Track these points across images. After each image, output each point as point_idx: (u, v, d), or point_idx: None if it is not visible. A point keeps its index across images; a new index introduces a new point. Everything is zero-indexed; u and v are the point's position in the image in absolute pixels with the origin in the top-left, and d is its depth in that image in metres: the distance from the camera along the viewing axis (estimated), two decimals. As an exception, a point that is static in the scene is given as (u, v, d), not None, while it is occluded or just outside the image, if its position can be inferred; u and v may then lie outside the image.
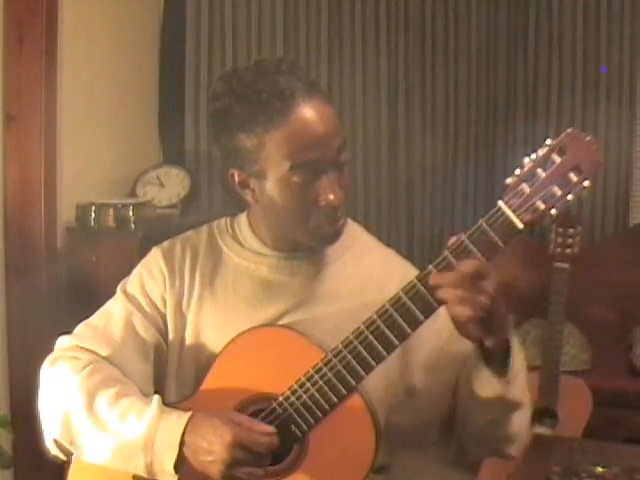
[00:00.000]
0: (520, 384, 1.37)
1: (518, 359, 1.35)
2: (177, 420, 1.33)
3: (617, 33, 3.51)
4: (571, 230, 2.63)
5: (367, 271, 1.48)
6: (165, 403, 1.45)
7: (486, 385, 1.34)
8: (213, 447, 1.29)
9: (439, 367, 1.47)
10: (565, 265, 2.63)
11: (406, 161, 3.68)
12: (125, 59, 3.16)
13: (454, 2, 3.64)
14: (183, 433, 1.31)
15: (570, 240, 2.63)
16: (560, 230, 2.63)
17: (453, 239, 1.26)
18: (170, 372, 1.48)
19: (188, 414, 1.33)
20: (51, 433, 1.43)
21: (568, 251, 2.63)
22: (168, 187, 3.18)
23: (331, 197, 1.35)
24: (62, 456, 1.45)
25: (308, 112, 1.33)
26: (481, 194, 3.70)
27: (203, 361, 1.44)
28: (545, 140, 1.25)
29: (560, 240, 2.63)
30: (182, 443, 1.31)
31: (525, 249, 3.15)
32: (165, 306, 1.48)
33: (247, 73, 1.36)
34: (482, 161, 3.69)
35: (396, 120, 3.66)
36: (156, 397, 1.38)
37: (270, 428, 1.33)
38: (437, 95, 3.69)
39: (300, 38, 3.55)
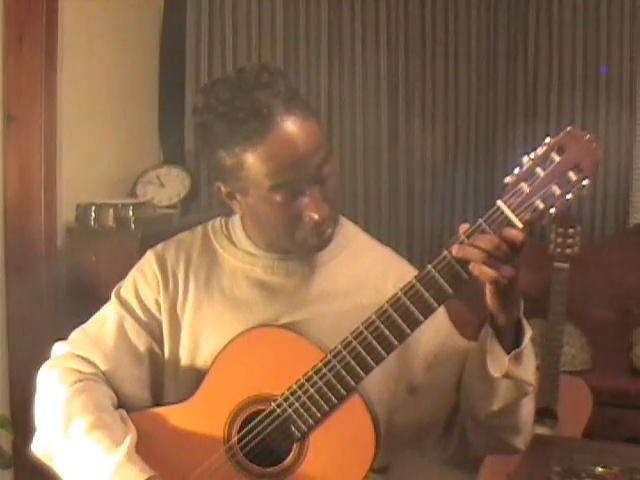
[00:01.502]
0: (531, 367, 1.37)
1: (528, 342, 1.35)
2: (139, 472, 1.32)
3: (617, 33, 3.51)
4: (571, 230, 2.62)
5: (363, 270, 1.48)
6: (166, 403, 1.46)
7: (498, 363, 1.33)
8: None
9: (440, 364, 1.47)
10: (565, 265, 2.63)
11: (406, 161, 3.68)
12: (125, 59, 3.16)
13: (454, 2, 3.64)
14: None
15: (570, 240, 2.63)
16: (560, 230, 2.63)
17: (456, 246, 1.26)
18: (168, 375, 1.48)
19: (152, 472, 1.32)
20: (35, 447, 1.44)
21: (568, 251, 2.63)
22: (168, 187, 3.18)
23: (314, 216, 1.35)
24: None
25: (286, 132, 1.30)
26: (481, 194, 3.70)
27: (201, 363, 1.44)
28: (544, 139, 1.25)
29: (560, 240, 2.63)
30: None
31: (525, 249, 3.15)
32: (159, 310, 1.48)
33: (225, 88, 1.33)
34: (482, 161, 3.70)
35: (396, 120, 3.66)
36: (128, 439, 1.36)
37: None
38: (437, 95, 3.70)
39: (300, 38, 3.55)
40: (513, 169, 1.26)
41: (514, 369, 1.34)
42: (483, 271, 1.22)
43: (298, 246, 1.41)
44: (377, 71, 3.62)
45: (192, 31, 3.46)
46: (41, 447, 1.42)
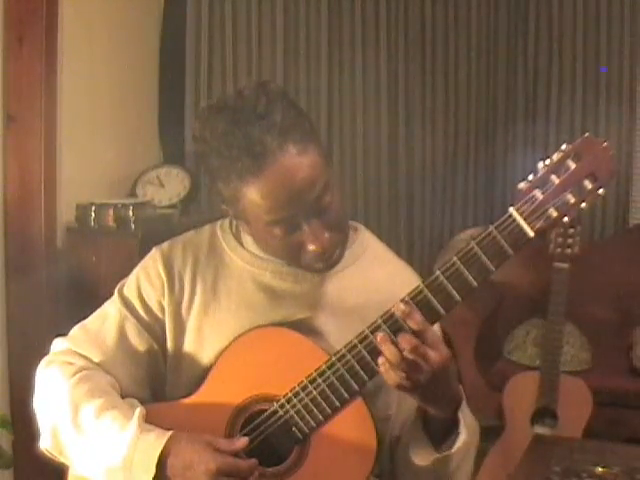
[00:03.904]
0: (466, 460, 1.37)
1: (466, 434, 1.33)
2: (155, 441, 1.32)
3: (617, 33, 3.51)
4: (571, 230, 2.62)
5: (374, 285, 1.46)
6: (168, 399, 1.46)
7: (423, 454, 1.34)
8: (194, 473, 1.29)
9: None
10: (565, 265, 2.63)
11: (406, 161, 3.69)
12: (125, 59, 3.16)
13: (454, 2, 3.64)
14: (162, 454, 1.30)
15: (570, 240, 2.62)
16: (560, 230, 2.63)
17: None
18: (170, 376, 1.48)
19: (167, 435, 1.32)
20: (43, 443, 1.43)
21: (568, 251, 2.62)
22: (168, 187, 3.18)
23: (313, 248, 1.33)
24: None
25: (280, 169, 1.27)
26: (481, 194, 3.70)
27: (205, 366, 1.43)
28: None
29: (560, 240, 2.62)
30: (161, 464, 1.30)
31: (525, 249, 3.14)
32: (162, 311, 1.47)
33: (220, 119, 1.30)
34: (482, 161, 3.70)
35: (396, 120, 3.66)
36: (137, 412, 1.36)
37: (244, 440, 1.33)
38: (437, 95, 3.70)
39: (300, 38, 3.55)
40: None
41: (442, 466, 1.33)
42: (387, 375, 1.22)
43: (304, 268, 1.40)
44: (377, 71, 3.63)
45: (192, 31, 3.46)
46: (50, 442, 1.41)
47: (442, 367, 1.23)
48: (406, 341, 1.21)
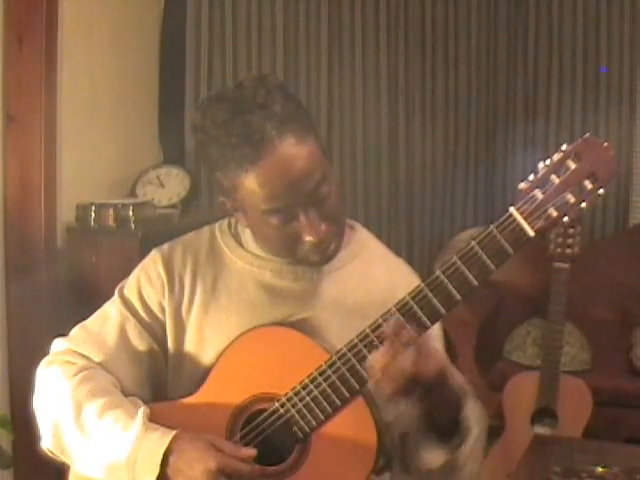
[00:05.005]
0: (475, 453, 1.36)
1: (477, 429, 1.34)
2: (159, 440, 1.32)
3: (617, 33, 3.52)
4: (571, 230, 2.63)
5: (373, 282, 1.46)
6: (168, 398, 1.46)
7: (433, 454, 1.34)
8: (194, 472, 1.29)
9: None
10: (565, 265, 2.63)
11: (406, 161, 3.69)
12: (125, 59, 3.16)
13: (454, 3, 3.65)
14: (165, 452, 1.31)
15: (570, 240, 2.63)
16: (560, 230, 2.63)
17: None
18: (171, 376, 1.48)
19: (172, 434, 1.33)
20: (45, 442, 1.43)
21: (568, 251, 2.63)
22: (168, 187, 3.18)
23: (310, 239, 1.34)
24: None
25: (278, 158, 1.28)
26: (481, 194, 3.70)
27: (206, 366, 1.43)
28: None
29: (560, 240, 2.63)
30: (164, 462, 1.31)
31: (525, 249, 3.14)
32: (163, 312, 1.47)
33: (220, 109, 1.31)
34: (482, 161, 3.70)
35: (396, 120, 3.67)
36: (141, 411, 1.37)
37: (252, 451, 1.33)
38: (437, 95, 3.70)
39: (300, 38, 3.55)
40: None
41: (452, 461, 1.33)
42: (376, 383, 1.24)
43: (301, 260, 1.41)
44: (377, 71, 3.63)
45: (192, 30, 3.46)
46: (52, 441, 1.41)
47: (437, 375, 1.24)
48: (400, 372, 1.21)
